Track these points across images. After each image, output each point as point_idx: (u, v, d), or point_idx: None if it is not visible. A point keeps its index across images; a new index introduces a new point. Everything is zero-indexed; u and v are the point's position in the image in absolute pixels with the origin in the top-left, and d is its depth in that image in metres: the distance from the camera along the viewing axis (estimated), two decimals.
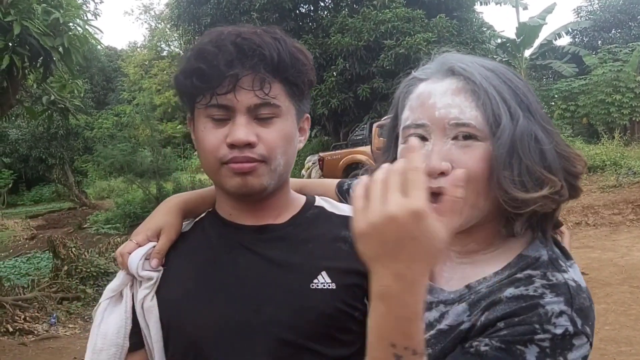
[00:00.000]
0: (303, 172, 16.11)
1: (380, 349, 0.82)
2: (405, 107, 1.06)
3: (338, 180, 1.46)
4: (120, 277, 1.20)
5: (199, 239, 1.23)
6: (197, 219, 1.29)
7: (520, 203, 0.94)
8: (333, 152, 15.63)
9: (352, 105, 17.23)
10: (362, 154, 14.18)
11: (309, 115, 1.26)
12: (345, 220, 1.21)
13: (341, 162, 14.64)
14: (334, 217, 1.26)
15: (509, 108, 0.97)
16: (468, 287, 1.01)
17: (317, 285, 1.13)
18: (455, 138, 0.97)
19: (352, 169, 13.80)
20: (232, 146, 1.10)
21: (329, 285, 1.14)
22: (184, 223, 1.27)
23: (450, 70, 1.02)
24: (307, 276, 1.14)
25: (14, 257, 13.91)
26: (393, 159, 1.09)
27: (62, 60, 6.06)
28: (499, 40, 22.95)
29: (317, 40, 17.76)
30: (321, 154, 15.93)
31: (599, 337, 5.17)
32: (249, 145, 1.10)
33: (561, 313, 0.88)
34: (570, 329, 0.87)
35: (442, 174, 0.94)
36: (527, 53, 23.39)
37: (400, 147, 1.05)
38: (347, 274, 1.15)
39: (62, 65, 6.47)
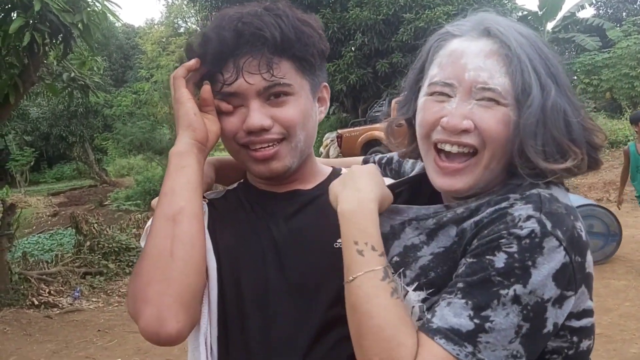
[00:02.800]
0: (321, 149, 16.08)
1: (344, 246, 0.99)
2: (434, 62, 1.06)
3: (362, 157, 1.49)
4: None
5: (235, 205, 1.26)
6: (229, 188, 1.32)
7: (541, 172, 0.96)
8: (351, 129, 15.55)
9: (370, 80, 17.10)
10: (381, 130, 14.06)
11: (327, 84, 1.26)
12: None
13: (360, 139, 14.58)
14: None
15: (540, 79, 0.97)
16: (446, 206, 1.04)
17: (340, 245, 1.14)
18: (479, 99, 0.98)
19: (371, 146, 13.70)
20: (249, 132, 1.13)
21: None
22: (215, 192, 1.30)
23: (486, 30, 1.02)
24: (331, 236, 1.15)
25: (37, 234, 14.20)
26: (413, 113, 1.11)
27: (82, 37, 6.08)
28: (521, 13, 22.48)
29: (335, 15, 17.56)
30: (339, 131, 15.86)
31: (619, 314, 5.16)
32: (265, 129, 1.13)
33: (528, 217, 0.89)
34: (537, 229, 0.87)
35: (465, 131, 0.98)
36: (550, 26, 22.94)
37: (422, 99, 1.06)
38: None
39: (82, 41, 6.50)
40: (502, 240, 0.88)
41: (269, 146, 1.14)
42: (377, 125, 14.77)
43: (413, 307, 1.00)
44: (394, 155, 1.42)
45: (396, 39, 16.26)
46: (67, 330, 6.22)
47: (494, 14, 1.07)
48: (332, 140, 16.19)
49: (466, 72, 0.99)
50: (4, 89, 6.47)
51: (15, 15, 5.67)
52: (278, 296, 1.14)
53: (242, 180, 1.33)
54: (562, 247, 0.88)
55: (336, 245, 1.15)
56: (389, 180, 1.27)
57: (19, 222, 8.53)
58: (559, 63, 1.03)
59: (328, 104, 1.28)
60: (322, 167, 1.33)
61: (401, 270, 1.03)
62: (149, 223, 1.19)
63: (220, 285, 1.15)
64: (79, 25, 5.77)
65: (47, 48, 6.36)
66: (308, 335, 1.11)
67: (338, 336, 1.10)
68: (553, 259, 0.87)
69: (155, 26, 41.16)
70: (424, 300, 0.99)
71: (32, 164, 23.11)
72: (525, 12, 22.49)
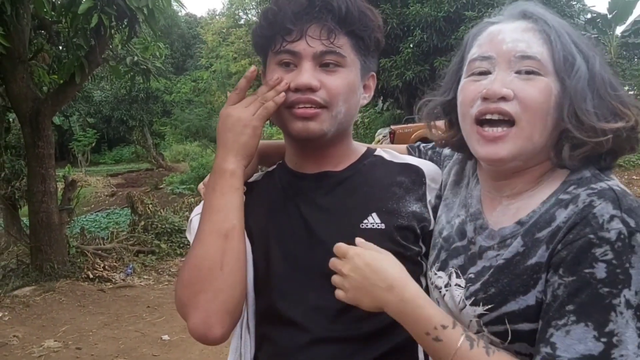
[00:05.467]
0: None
1: (420, 341, 1.00)
2: (473, 45, 1.10)
3: (406, 145, 1.49)
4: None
5: (270, 187, 1.33)
6: (269, 170, 1.38)
7: (595, 132, 0.97)
8: (405, 126, 15.43)
9: (427, 78, 16.87)
10: None
11: (374, 74, 1.31)
12: (403, 167, 1.30)
13: (413, 136, 14.42)
14: (392, 164, 1.32)
15: (581, 50, 1.01)
16: (520, 223, 1.02)
17: (367, 225, 1.21)
18: (518, 72, 1.00)
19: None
20: (296, 90, 1.18)
21: (378, 226, 1.21)
22: (255, 174, 1.37)
23: (522, 13, 1.06)
24: (358, 217, 1.22)
25: (95, 212, 14.74)
26: (452, 98, 1.13)
27: (146, 22, 6.25)
28: (589, 15, 21.68)
29: (394, 10, 17.40)
30: (392, 127, 15.76)
31: None
32: (312, 89, 1.17)
33: (612, 217, 0.88)
34: (624, 230, 0.87)
35: (503, 98, 0.99)
36: (619, 30, 22.02)
37: (464, 80, 1.08)
38: (399, 216, 1.23)
39: (146, 26, 6.69)
40: (596, 250, 0.87)
41: (311, 107, 1.18)
42: None
43: (470, 321, 1.02)
44: None
45: (456, 37, 15.97)
46: (119, 304, 6.43)
47: (531, 3, 1.09)
48: (384, 136, 16.10)
49: (504, 44, 1.02)
50: (70, 69, 6.73)
51: None
52: (305, 274, 1.20)
53: (280, 162, 1.37)
54: None
55: (362, 226, 1.20)
56: (433, 166, 1.32)
57: (78, 198, 8.87)
58: (597, 47, 1.06)
59: (372, 93, 1.32)
60: (357, 146, 1.36)
61: (469, 285, 1.05)
62: (193, 216, 1.28)
63: (255, 265, 1.24)
64: (144, 10, 5.93)
65: (112, 31, 6.56)
66: (330, 312, 1.17)
67: (357, 316, 1.13)
68: None
69: (217, 17, 41.89)
70: (480, 316, 1.00)
71: (93, 145, 23.93)
72: (594, 15, 21.69)
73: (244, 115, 1.20)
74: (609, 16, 20.85)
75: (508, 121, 1.00)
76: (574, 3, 18.81)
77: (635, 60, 23.70)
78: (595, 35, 20.31)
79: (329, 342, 1.16)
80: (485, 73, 1.04)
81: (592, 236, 0.88)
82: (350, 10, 1.18)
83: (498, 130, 1.01)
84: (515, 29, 1.04)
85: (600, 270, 0.86)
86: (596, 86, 0.99)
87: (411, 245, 1.21)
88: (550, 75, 0.99)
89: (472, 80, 1.06)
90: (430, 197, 1.28)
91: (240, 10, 39.70)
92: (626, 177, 9.61)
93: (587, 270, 0.87)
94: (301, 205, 1.25)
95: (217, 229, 1.15)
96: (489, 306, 0.98)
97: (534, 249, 0.95)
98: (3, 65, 6.48)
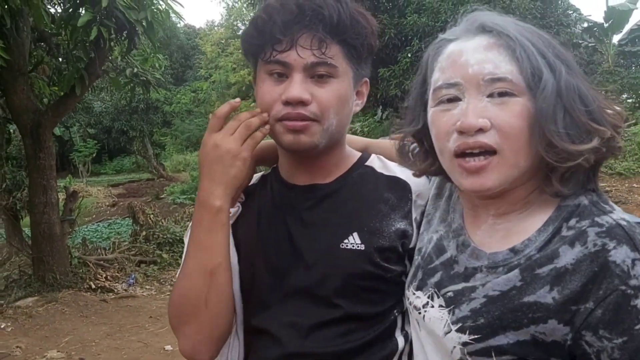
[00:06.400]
0: None
1: None
2: (434, 69, 1.02)
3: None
4: None
5: (263, 195, 1.32)
6: (265, 173, 1.38)
7: (568, 155, 0.91)
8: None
9: None
10: None
11: (367, 80, 1.28)
12: (391, 181, 1.26)
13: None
14: (381, 177, 1.28)
15: (548, 61, 0.93)
16: (513, 250, 0.96)
17: (347, 245, 1.18)
18: (490, 95, 0.93)
19: None
20: (286, 103, 1.14)
21: (358, 247, 1.18)
22: (255, 175, 1.35)
23: (480, 27, 0.98)
24: (339, 236, 1.19)
25: (97, 222, 14.74)
26: (422, 126, 1.07)
27: (145, 34, 6.31)
28: (585, 24, 21.68)
29: (392, 20, 17.41)
30: (393, 136, 15.74)
31: None
32: (302, 103, 1.13)
33: (634, 262, 0.84)
34: None
35: (480, 130, 0.92)
36: (616, 39, 22.03)
37: (431, 111, 1.02)
38: (381, 236, 1.19)
39: (145, 38, 6.75)
40: (634, 301, 0.83)
41: (301, 120, 1.15)
42: None
43: (454, 347, 0.98)
44: None
45: None
46: (121, 314, 6.46)
47: (486, 12, 1.02)
48: None
49: (469, 67, 0.95)
50: (71, 81, 6.80)
51: (83, 10, 5.95)
52: (284, 288, 1.21)
53: (275, 166, 1.35)
54: None
55: (342, 245, 1.18)
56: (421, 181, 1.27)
57: (80, 209, 8.90)
58: (566, 49, 0.99)
59: (365, 99, 1.29)
60: (349, 154, 1.32)
61: (452, 307, 1.00)
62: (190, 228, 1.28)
63: (241, 275, 1.25)
64: (143, 22, 6.00)
65: (112, 43, 6.63)
66: (303, 329, 1.17)
67: (330, 333, 1.16)
68: None
69: (215, 28, 41.97)
70: (465, 344, 0.96)
71: (94, 155, 23.93)
72: (590, 24, 21.72)
73: (233, 146, 1.15)
74: (606, 25, 20.89)
75: (489, 150, 0.94)
76: (570, 12, 18.86)
77: (633, 68, 23.71)
78: (593, 44, 20.33)
79: (302, 357, 1.17)
80: (455, 100, 0.97)
81: (623, 287, 0.84)
82: (342, 19, 1.14)
83: (481, 159, 0.94)
84: (477, 47, 0.96)
85: None
86: (564, 103, 0.91)
87: (393, 266, 1.18)
88: (524, 93, 0.93)
89: (441, 110, 0.99)
90: (415, 214, 1.23)
91: (238, 21, 39.80)
92: (627, 185, 9.60)
93: (637, 327, 0.84)
94: (288, 218, 1.25)
95: (203, 267, 1.15)
96: (476, 336, 0.95)
97: (533, 286, 0.91)
98: (3, 77, 6.54)
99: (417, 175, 1.17)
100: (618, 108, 0.97)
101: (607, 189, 9.28)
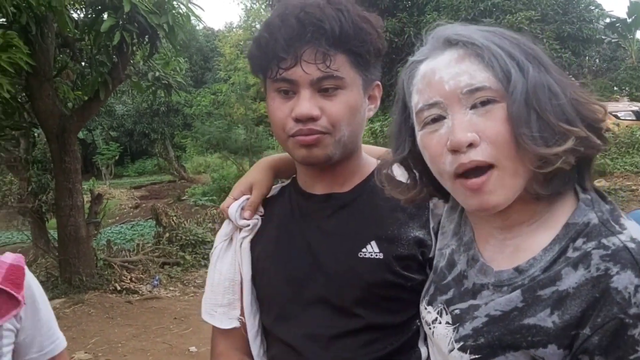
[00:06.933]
0: None
1: None
2: (412, 92, 1.01)
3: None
4: (226, 225, 1.36)
5: (282, 206, 1.34)
6: (284, 184, 1.39)
7: (544, 160, 0.88)
8: None
9: None
10: None
11: (379, 83, 1.26)
12: None
13: None
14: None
15: (517, 62, 0.91)
16: (518, 270, 0.94)
17: (365, 255, 1.18)
18: (474, 107, 0.91)
19: None
20: (297, 120, 1.15)
21: (377, 255, 1.17)
22: (274, 187, 1.37)
23: (446, 41, 0.97)
24: (357, 245, 1.19)
25: (120, 224, 14.93)
26: (409, 151, 1.05)
27: (167, 38, 6.38)
28: (608, 20, 21.32)
29: (411, 19, 17.39)
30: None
31: None
32: (312, 118, 1.14)
33: (637, 289, 0.81)
34: None
35: (471, 145, 0.90)
36: (639, 34, 21.66)
37: (419, 135, 0.99)
38: (399, 244, 1.18)
39: (166, 42, 6.82)
40: (632, 331, 0.81)
41: (312, 134, 1.15)
42: None
43: None
44: None
45: None
46: (146, 316, 6.51)
47: (448, 25, 1.02)
48: None
49: (445, 84, 0.93)
50: (94, 85, 6.89)
51: (106, 16, 6.03)
52: (304, 298, 1.22)
53: (294, 177, 1.36)
54: None
55: (360, 255, 1.18)
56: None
57: (105, 211, 9.02)
58: (536, 45, 0.96)
59: (378, 102, 1.28)
60: (366, 162, 1.31)
61: (457, 325, 0.99)
62: (216, 244, 1.36)
63: (260, 285, 1.29)
64: (165, 26, 6.06)
65: (134, 48, 6.70)
66: (323, 340, 1.19)
67: (350, 344, 1.16)
68: None
69: (234, 30, 42.19)
70: None
71: (116, 158, 24.23)
72: (613, 19, 21.37)
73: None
74: (629, 20, 20.53)
75: (486, 166, 0.91)
76: (592, 8, 18.58)
77: None
78: (616, 40, 20.00)
79: None
80: (439, 119, 0.94)
81: (622, 316, 0.81)
82: (345, 29, 1.12)
83: (481, 178, 0.91)
84: (449, 62, 0.94)
85: None
86: (535, 104, 0.88)
87: (413, 274, 1.16)
88: (505, 98, 0.90)
89: (429, 132, 0.96)
90: (433, 223, 1.21)
91: (257, 22, 39.96)
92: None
93: (632, 357, 0.81)
94: (306, 228, 1.26)
95: None
96: (476, 356, 0.94)
97: (534, 308, 0.89)
98: (29, 83, 6.64)
99: (406, 203, 1.13)
100: (600, 103, 0.94)
101: (634, 187, 9.14)
